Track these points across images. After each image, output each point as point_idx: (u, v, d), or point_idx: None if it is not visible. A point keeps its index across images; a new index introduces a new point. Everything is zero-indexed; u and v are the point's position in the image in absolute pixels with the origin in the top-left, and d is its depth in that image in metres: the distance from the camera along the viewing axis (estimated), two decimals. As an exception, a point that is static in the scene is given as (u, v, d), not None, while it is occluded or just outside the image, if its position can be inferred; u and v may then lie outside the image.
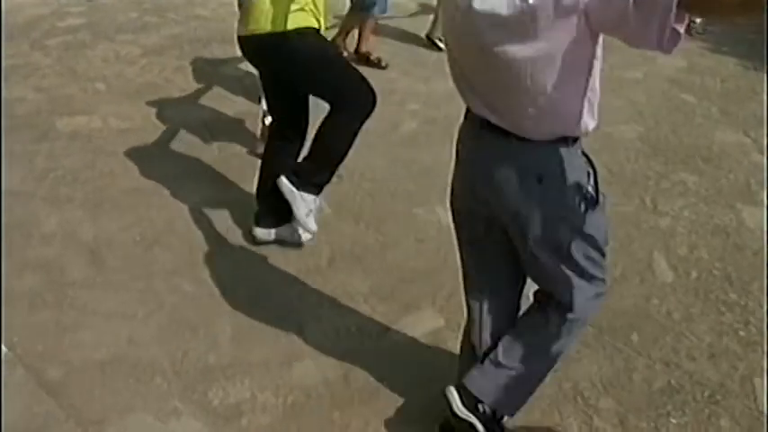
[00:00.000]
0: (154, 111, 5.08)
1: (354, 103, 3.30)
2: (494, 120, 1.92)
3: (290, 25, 3.17)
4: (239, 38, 3.34)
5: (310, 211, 3.36)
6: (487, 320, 2.30)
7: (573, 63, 1.74)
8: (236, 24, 3.38)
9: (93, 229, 3.71)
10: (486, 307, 2.29)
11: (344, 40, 6.01)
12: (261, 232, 3.56)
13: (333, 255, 3.55)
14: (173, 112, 5.08)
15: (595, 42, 1.73)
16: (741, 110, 5.56)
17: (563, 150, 1.91)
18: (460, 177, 2.15)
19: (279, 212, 3.48)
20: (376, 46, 6.21)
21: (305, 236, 3.54)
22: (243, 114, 5.00)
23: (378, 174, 4.29)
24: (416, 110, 5.20)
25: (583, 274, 2.08)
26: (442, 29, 1.93)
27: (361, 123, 3.32)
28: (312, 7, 3.24)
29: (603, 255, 2.11)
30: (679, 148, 4.82)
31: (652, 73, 6.18)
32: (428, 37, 6.61)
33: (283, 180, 3.32)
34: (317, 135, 3.36)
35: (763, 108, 5.51)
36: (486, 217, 2.11)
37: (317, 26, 3.30)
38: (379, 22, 6.28)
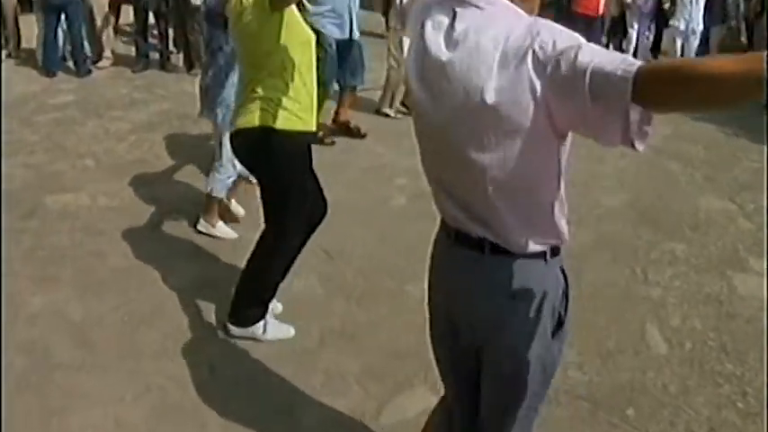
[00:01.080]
0: (143, 188, 5.09)
1: (298, 225, 3.30)
2: (468, 230, 1.81)
3: (262, 123, 3.12)
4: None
5: (266, 323, 3.42)
6: (457, 420, 2.22)
7: (538, 164, 1.66)
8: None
9: (80, 310, 3.67)
10: (455, 406, 2.22)
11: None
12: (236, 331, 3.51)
13: (323, 334, 3.51)
14: (162, 189, 5.09)
15: (562, 142, 1.65)
16: (724, 176, 5.63)
17: (540, 265, 1.79)
18: (435, 285, 2.04)
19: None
20: (354, 117, 6.33)
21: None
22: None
23: (367, 250, 4.29)
24: (404, 184, 5.24)
25: (528, 408, 1.96)
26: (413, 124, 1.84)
27: (300, 242, 3.36)
28: (291, 105, 3.13)
29: (549, 385, 1.99)
30: (666, 216, 4.85)
31: (637, 141, 6.24)
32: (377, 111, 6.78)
33: (232, 329, 3.43)
34: (249, 258, 3.37)
35: (746, 173, 5.58)
36: (456, 324, 1.97)
37: (300, 128, 3.18)
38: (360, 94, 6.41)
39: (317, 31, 3.73)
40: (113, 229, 4.47)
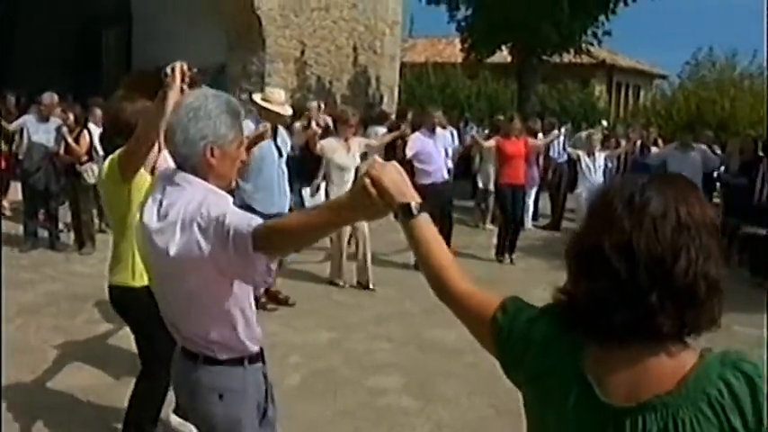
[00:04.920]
0: (29, 375, 4.92)
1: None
2: (185, 344, 2.41)
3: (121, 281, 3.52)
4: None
5: None
6: None
7: (222, 295, 2.26)
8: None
9: None
10: None
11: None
12: None
13: None
14: (49, 375, 4.94)
15: (234, 281, 2.24)
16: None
17: (240, 370, 2.39)
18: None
19: None
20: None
21: None
22: (125, 375, 4.91)
23: None
24: (299, 362, 5.29)
25: None
26: None
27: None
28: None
29: None
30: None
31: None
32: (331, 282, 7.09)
33: None
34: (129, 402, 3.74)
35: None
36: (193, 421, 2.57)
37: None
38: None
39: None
40: (-4, 421, 4.28)
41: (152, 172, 3.22)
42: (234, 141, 2.32)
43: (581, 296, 1.39)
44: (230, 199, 2.30)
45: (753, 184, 9.00)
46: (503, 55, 17.81)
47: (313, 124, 8.09)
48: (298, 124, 8.85)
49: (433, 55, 28.24)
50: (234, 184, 2.53)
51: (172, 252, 2.14)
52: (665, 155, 10.30)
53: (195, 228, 2.10)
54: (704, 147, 10.18)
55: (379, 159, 1.78)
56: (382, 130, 11.43)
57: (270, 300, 6.48)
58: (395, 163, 1.70)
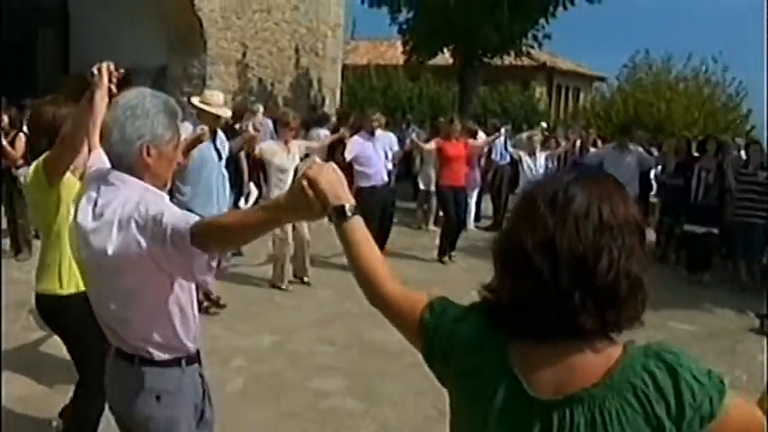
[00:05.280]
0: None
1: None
2: (120, 345, 2.37)
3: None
4: None
5: None
6: None
7: (161, 293, 2.26)
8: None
9: None
10: None
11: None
12: None
13: None
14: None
15: (173, 279, 2.24)
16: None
17: (178, 371, 2.38)
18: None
19: None
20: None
21: None
22: (60, 383, 4.79)
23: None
24: (242, 366, 5.24)
25: None
26: None
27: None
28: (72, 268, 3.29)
29: None
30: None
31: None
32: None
33: None
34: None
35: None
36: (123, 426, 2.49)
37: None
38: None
39: None
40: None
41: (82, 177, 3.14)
42: (171, 142, 2.32)
43: (505, 295, 1.41)
44: (167, 197, 2.31)
45: (688, 183, 9.23)
46: (444, 57, 17.90)
47: (250, 127, 8.02)
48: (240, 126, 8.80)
49: (375, 57, 28.29)
50: (169, 185, 2.50)
51: (110, 251, 2.13)
52: (602, 155, 10.49)
53: (133, 226, 2.10)
54: (640, 148, 10.40)
55: (317, 160, 1.81)
56: (325, 132, 11.42)
57: (204, 298, 6.40)
58: (332, 164, 1.71)
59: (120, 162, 2.27)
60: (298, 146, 7.63)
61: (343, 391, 5.04)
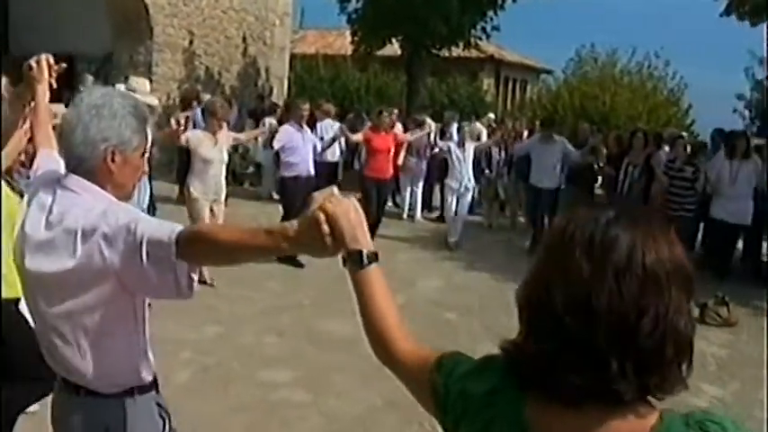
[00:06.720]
0: None
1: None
2: (65, 375, 2.10)
3: None
4: None
5: None
6: None
7: (116, 317, 1.98)
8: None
9: None
10: None
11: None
12: None
13: None
14: None
15: (136, 299, 2.00)
16: (501, 324, 6.06)
17: (129, 402, 2.10)
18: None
19: None
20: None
21: None
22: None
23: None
24: (189, 358, 5.21)
25: None
26: None
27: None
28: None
29: None
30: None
31: (414, 296, 6.72)
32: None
33: None
34: None
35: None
36: None
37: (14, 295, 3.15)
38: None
39: None
40: None
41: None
42: (138, 149, 2.08)
43: (529, 353, 1.21)
44: (135, 208, 2.05)
45: (617, 178, 9.67)
46: (393, 48, 17.95)
47: (173, 121, 7.88)
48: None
49: (324, 47, 28.15)
50: (134, 197, 2.38)
51: (67, 264, 1.88)
52: (529, 146, 10.70)
53: (99, 237, 1.85)
54: (564, 139, 10.59)
55: (336, 192, 1.59)
56: (274, 121, 11.37)
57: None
58: (354, 200, 1.56)
59: (79, 165, 2.01)
60: (226, 137, 7.44)
61: (290, 382, 5.06)
